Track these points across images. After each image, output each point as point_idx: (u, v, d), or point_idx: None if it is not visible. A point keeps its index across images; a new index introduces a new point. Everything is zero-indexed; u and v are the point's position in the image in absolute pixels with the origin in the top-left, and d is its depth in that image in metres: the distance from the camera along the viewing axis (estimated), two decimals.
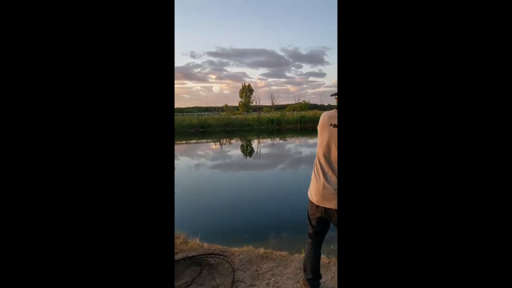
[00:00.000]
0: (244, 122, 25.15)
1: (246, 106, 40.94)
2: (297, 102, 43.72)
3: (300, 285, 1.73)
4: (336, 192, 1.31)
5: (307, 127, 23.78)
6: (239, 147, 14.37)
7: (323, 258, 2.00)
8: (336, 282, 1.75)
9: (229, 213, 4.45)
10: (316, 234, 1.54)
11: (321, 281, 1.66)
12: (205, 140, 17.29)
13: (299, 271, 1.89)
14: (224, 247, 2.29)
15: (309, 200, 1.46)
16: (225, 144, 15.68)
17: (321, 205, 1.37)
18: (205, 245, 2.34)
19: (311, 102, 49.38)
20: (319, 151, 1.40)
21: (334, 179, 1.33)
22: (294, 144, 14.89)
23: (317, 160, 1.41)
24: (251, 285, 1.78)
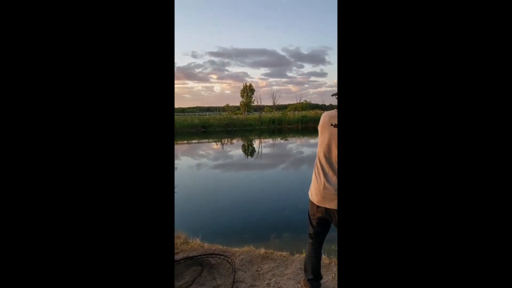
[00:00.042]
0: (246, 122, 25.15)
1: (247, 106, 40.90)
2: (298, 102, 43.74)
3: (301, 285, 1.72)
4: (336, 192, 1.30)
5: (308, 127, 23.76)
6: (241, 147, 14.39)
7: (324, 259, 2.00)
8: (337, 282, 1.75)
9: (230, 213, 4.45)
10: (316, 235, 1.54)
11: (322, 281, 1.66)
12: (207, 140, 17.30)
13: (300, 272, 1.89)
14: (225, 247, 2.29)
15: (310, 200, 1.46)
16: (226, 144, 15.70)
17: (322, 205, 1.37)
18: (206, 245, 2.35)
19: (312, 102, 49.29)
20: (319, 151, 1.40)
21: (334, 179, 1.33)
22: (295, 144, 14.89)
23: (317, 160, 1.41)
24: (252, 285, 1.78)
